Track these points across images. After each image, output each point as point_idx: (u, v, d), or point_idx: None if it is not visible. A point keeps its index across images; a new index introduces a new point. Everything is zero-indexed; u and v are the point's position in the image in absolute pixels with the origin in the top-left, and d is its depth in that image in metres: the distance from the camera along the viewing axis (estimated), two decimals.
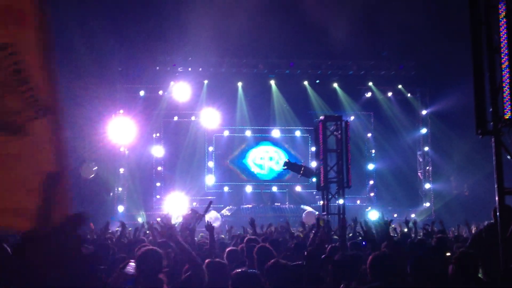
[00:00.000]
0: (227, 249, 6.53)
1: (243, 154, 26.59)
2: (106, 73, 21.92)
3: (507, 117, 4.84)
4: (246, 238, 7.39)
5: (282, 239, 9.61)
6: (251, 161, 26.58)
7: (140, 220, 22.40)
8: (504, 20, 4.95)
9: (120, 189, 24.02)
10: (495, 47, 5.10)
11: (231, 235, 11.98)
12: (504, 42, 4.97)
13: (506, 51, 4.96)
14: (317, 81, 25.27)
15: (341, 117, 12.42)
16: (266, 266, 4.54)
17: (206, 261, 4.75)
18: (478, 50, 5.26)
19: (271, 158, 26.70)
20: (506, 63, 4.93)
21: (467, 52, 5.45)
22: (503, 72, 4.94)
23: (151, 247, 4.73)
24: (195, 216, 7.71)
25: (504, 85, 4.92)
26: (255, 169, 26.52)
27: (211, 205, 8.65)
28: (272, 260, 4.63)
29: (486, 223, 6.83)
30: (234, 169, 26.33)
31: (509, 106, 4.86)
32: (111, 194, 23.41)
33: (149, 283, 4.25)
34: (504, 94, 4.90)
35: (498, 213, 4.90)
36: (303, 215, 22.25)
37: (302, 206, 24.68)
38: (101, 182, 22.23)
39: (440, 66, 22.44)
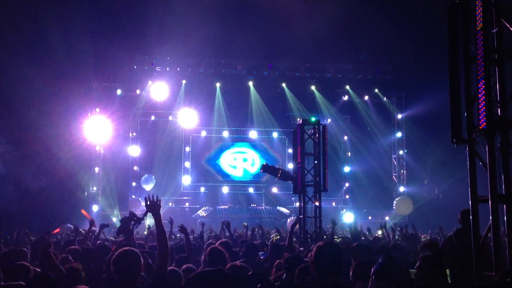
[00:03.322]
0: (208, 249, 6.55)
1: (217, 154, 26.56)
2: (82, 71, 21.65)
3: (482, 127, 4.94)
4: (219, 241, 7.39)
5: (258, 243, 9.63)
6: (225, 162, 26.55)
7: (114, 219, 22.24)
8: (481, 32, 5.06)
9: (94, 188, 23.77)
10: (472, 57, 5.21)
11: (208, 236, 12.01)
12: (480, 53, 5.07)
13: (481, 62, 5.06)
14: (295, 84, 25.38)
15: (319, 121, 12.50)
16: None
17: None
18: (455, 60, 5.37)
19: (244, 160, 26.72)
20: (482, 74, 5.03)
21: (443, 57, 5.55)
22: (478, 83, 5.04)
23: (127, 248, 4.69)
24: (133, 219, 7.63)
25: (479, 95, 5.02)
26: (228, 170, 26.50)
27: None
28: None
29: (455, 228, 6.91)
30: (209, 169, 26.29)
31: (484, 116, 4.97)
32: (85, 193, 23.14)
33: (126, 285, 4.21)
34: (479, 104, 5.00)
35: (472, 221, 5.00)
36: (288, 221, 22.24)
37: (278, 207, 24.77)
38: (76, 182, 22.01)
39: (416, 71, 22.73)
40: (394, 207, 22.72)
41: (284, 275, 5.50)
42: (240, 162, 26.66)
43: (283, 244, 8.38)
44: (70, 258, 6.33)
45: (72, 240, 9.41)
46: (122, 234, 7.53)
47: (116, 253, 4.39)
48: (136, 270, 4.26)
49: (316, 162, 12.24)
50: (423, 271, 4.59)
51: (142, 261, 4.38)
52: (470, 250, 5.07)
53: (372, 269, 3.99)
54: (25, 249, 7.03)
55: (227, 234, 10.86)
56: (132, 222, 7.53)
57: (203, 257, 6.06)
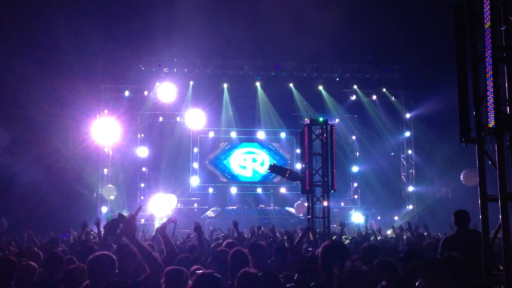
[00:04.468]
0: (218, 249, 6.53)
1: (225, 155, 26.59)
2: (91, 72, 21.77)
3: (491, 126, 4.90)
4: (226, 242, 7.35)
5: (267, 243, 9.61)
6: (235, 162, 26.57)
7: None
8: (489, 30, 5.03)
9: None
10: (479, 56, 5.17)
11: (215, 237, 12.00)
12: (488, 51, 5.04)
13: (490, 60, 5.03)
14: (302, 84, 25.34)
15: (326, 121, 12.48)
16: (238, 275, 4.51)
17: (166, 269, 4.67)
18: (463, 58, 5.34)
19: (254, 160, 26.73)
20: (490, 72, 5.00)
21: (451, 56, 5.52)
22: (486, 81, 5.01)
23: (103, 252, 4.71)
24: (122, 222, 7.61)
25: (487, 93, 4.98)
26: (238, 170, 26.52)
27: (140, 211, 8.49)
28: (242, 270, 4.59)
29: (456, 229, 6.77)
30: (213, 170, 26.31)
31: (493, 114, 4.93)
32: (94, 195, 23.23)
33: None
34: (488, 102, 4.97)
35: (481, 220, 4.97)
36: (295, 205, 22.30)
37: (286, 208, 24.76)
38: (85, 183, 22.09)
39: (424, 70, 22.65)
40: (461, 178, 22.07)
41: (296, 276, 5.48)
42: (250, 162, 26.68)
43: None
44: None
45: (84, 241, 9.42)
46: (110, 236, 7.58)
47: (91, 256, 4.41)
48: (108, 274, 4.26)
49: (323, 162, 12.22)
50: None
51: (117, 267, 4.39)
52: (471, 250, 5.04)
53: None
54: (38, 250, 7.04)
55: (235, 234, 10.85)
56: (121, 224, 7.53)
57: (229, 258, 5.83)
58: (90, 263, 4.32)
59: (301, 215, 21.53)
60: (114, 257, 4.48)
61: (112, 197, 22.96)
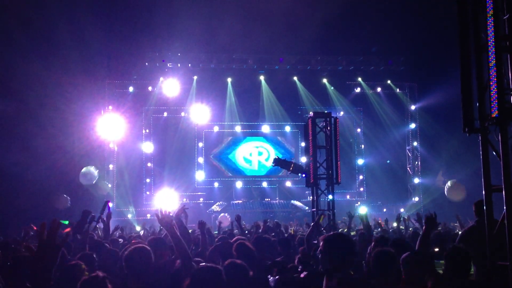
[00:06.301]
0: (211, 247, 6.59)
1: (230, 149, 26.59)
2: (95, 68, 21.78)
3: (494, 115, 4.86)
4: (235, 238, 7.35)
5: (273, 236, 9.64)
6: (240, 156, 26.57)
7: (130, 216, 22.39)
8: (492, 19, 4.98)
9: (109, 185, 23.92)
10: (483, 46, 5.13)
11: (222, 231, 12.03)
12: (491, 41, 4.99)
13: (493, 50, 4.98)
14: (307, 77, 25.28)
15: (330, 114, 12.44)
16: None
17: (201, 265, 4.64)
18: (466, 48, 5.30)
19: (260, 153, 26.73)
20: (493, 62, 4.95)
21: (455, 47, 5.47)
22: (490, 71, 4.96)
23: (140, 245, 4.70)
24: (89, 218, 7.64)
25: (491, 83, 4.94)
26: (243, 164, 26.51)
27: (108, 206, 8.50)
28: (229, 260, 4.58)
29: (476, 219, 6.72)
30: (217, 165, 26.31)
31: (496, 104, 4.89)
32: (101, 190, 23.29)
33: (138, 281, 4.22)
34: (491, 92, 4.93)
35: (485, 211, 4.94)
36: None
37: (292, 201, 24.76)
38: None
39: (428, 61, 22.54)
40: (446, 193, 22.04)
41: (300, 268, 5.46)
42: (256, 155, 26.69)
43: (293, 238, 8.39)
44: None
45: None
46: (78, 234, 7.60)
47: (128, 250, 4.41)
48: (146, 267, 4.27)
49: (328, 155, 12.19)
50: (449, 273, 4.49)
51: (153, 258, 4.39)
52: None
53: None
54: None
55: (235, 231, 10.87)
56: (88, 221, 7.57)
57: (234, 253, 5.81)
58: (127, 258, 4.32)
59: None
60: (149, 248, 4.49)
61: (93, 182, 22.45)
